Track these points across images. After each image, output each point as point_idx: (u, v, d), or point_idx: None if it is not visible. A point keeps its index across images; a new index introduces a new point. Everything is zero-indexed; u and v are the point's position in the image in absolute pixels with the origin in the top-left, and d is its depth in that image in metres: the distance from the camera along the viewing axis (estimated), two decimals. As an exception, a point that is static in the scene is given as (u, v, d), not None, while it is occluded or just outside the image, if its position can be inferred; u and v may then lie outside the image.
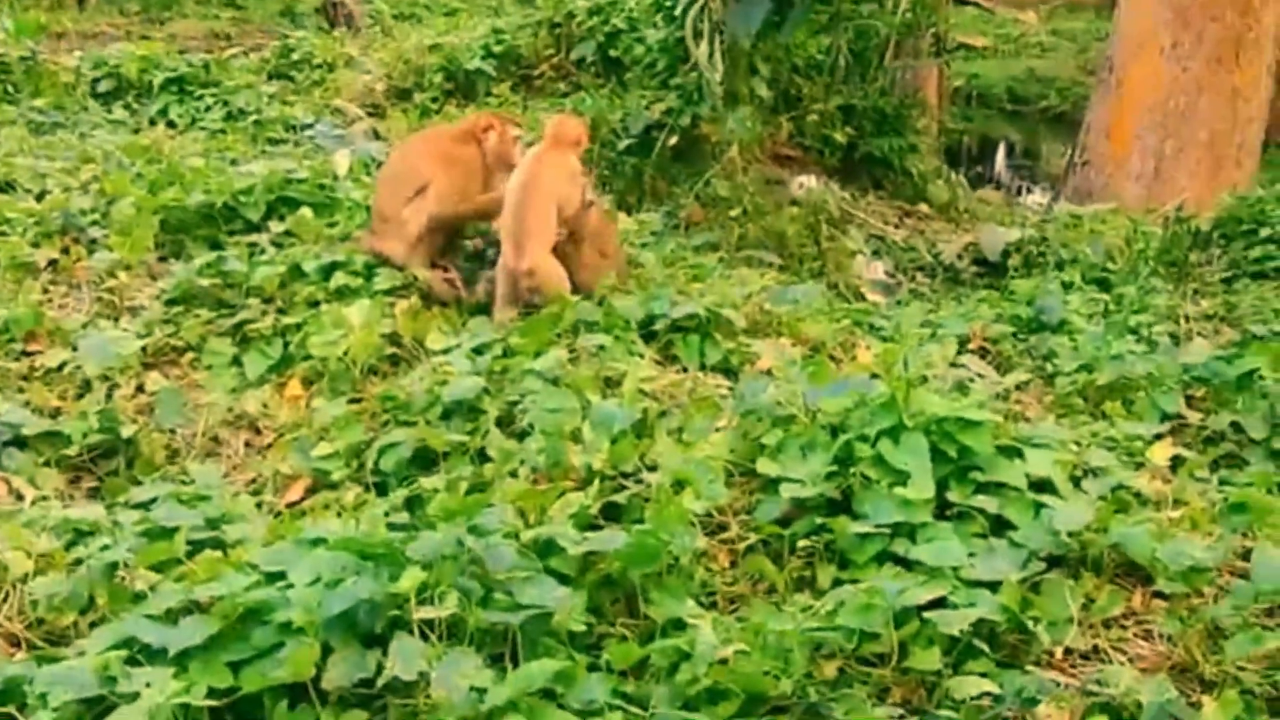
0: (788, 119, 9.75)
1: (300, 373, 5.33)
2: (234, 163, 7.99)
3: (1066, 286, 7.87)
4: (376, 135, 10.45)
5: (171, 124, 10.29)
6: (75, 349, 5.38)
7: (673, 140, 9.07)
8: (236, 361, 5.47)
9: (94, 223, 6.60)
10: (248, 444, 5.07)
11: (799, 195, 9.41)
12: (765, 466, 4.01)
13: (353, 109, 11.36)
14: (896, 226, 9.72)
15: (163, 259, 6.40)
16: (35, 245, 6.29)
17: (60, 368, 5.28)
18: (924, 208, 10.11)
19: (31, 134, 9.17)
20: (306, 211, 6.58)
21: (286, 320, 5.57)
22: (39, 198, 6.99)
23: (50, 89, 10.53)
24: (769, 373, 4.97)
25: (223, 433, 5.12)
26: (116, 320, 5.75)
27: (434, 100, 11.71)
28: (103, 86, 10.86)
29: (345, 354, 5.23)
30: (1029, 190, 12.98)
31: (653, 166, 9.15)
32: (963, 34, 16.68)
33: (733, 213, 8.63)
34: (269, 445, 5.02)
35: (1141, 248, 8.56)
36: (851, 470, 3.88)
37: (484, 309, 5.76)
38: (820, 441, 3.96)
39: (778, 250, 8.46)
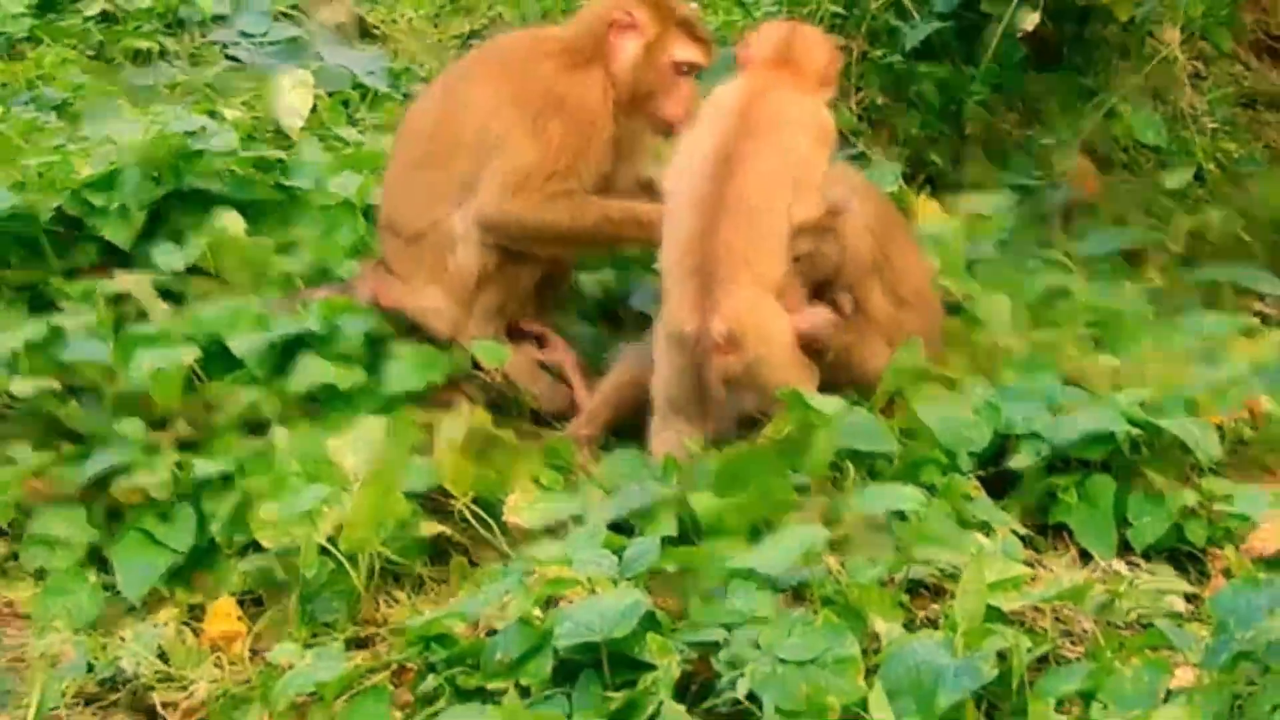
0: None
1: (237, 581, 3.81)
2: (67, 113, 5.80)
3: None
4: (366, 31, 7.42)
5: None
6: None
7: (1029, 22, 5.66)
8: (96, 559, 3.92)
9: None
10: (133, 744, 3.65)
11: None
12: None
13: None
14: None
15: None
16: None
17: None
18: None
19: None
20: (232, 219, 4.78)
21: (203, 467, 3.95)
22: None
23: None
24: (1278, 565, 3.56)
25: (76, 720, 3.65)
26: None
27: None
28: None
29: (332, 540, 3.70)
30: None
31: (983, 85, 5.89)
32: None
33: (1174, 179, 5.59)
34: (178, 747, 3.66)
35: None
36: None
37: (630, 431, 4.04)
38: None
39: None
